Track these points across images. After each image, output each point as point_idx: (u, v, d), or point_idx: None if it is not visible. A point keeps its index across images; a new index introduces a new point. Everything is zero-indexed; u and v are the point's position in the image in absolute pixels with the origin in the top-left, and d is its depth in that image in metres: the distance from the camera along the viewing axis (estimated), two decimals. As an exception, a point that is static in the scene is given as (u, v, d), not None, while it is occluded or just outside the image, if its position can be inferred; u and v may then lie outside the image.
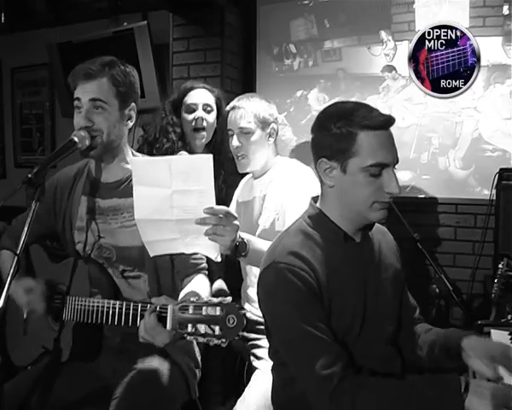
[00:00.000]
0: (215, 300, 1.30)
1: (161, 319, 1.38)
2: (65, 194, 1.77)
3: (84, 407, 1.63)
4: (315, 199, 1.45)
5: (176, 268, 1.69)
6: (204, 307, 1.29)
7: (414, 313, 1.55)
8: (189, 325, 1.30)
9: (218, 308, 1.28)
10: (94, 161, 1.71)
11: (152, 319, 1.39)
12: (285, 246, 1.34)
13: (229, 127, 2.06)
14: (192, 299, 1.33)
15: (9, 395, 1.49)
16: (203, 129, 2.31)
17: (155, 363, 1.63)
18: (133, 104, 1.67)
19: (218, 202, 1.48)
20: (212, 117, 2.34)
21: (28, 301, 1.61)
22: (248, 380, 1.91)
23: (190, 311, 1.31)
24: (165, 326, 1.36)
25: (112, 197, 1.69)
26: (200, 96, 2.32)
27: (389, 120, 1.33)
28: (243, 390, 1.83)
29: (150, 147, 2.35)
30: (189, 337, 1.30)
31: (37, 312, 1.63)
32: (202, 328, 1.28)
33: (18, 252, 1.30)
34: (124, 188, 1.68)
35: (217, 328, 1.26)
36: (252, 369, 1.97)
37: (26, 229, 1.33)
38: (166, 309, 1.37)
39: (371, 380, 1.24)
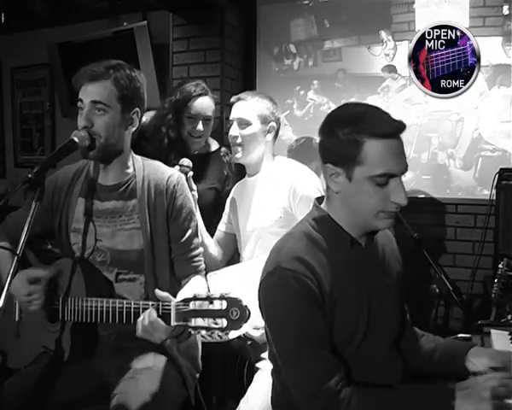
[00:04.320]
0: (217, 294, 1.32)
1: (162, 316, 1.40)
2: (62, 193, 1.74)
3: (84, 405, 1.62)
4: (319, 200, 1.41)
5: (175, 269, 1.70)
6: (207, 302, 1.32)
7: (406, 315, 1.55)
8: (193, 320, 1.33)
9: (221, 302, 1.31)
10: (93, 162, 1.70)
11: (152, 314, 1.40)
12: (290, 250, 1.30)
13: (230, 117, 2.13)
14: (194, 294, 1.35)
15: (9, 394, 1.49)
16: (199, 137, 2.38)
17: (151, 360, 1.63)
18: (137, 109, 1.65)
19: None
20: (209, 127, 2.40)
21: (30, 291, 1.55)
22: (249, 380, 1.91)
23: (193, 306, 1.34)
24: (167, 322, 1.38)
25: (110, 200, 1.68)
26: (204, 108, 2.35)
27: (398, 128, 1.26)
28: (243, 390, 1.83)
29: (146, 141, 2.36)
30: (193, 331, 1.33)
31: (34, 305, 1.56)
32: (205, 322, 1.32)
33: (18, 252, 1.29)
34: (122, 191, 1.68)
35: (223, 320, 1.30)
36: (252, 369, 1.97)
37: (26, 228, 1.32)
38: (168, 305, 1.39)
39: (362, 392, 1.22)
